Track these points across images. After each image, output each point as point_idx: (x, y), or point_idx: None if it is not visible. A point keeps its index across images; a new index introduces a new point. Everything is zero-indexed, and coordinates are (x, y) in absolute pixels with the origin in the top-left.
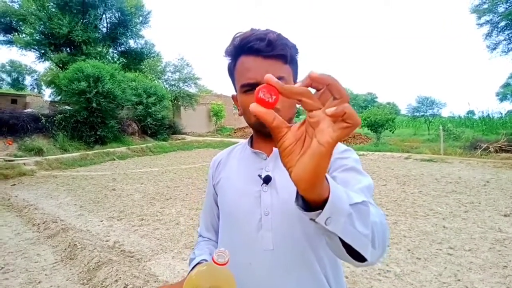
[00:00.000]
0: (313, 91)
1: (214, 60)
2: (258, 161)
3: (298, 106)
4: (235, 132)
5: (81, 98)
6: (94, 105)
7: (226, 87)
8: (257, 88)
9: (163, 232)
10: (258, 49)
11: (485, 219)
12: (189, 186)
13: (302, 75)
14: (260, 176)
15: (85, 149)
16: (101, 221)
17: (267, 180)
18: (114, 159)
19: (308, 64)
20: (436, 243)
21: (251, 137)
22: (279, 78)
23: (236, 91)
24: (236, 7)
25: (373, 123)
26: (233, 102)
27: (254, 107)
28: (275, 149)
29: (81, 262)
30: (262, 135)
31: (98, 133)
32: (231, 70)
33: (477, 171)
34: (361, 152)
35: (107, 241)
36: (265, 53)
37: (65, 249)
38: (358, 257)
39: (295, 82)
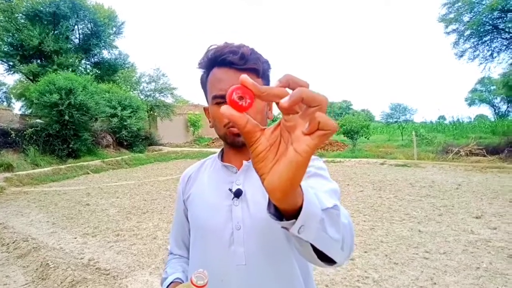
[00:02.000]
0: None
1: (190, 70)
2: (228, 174)
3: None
4: (213, 142)
5: (53, 111)
6: (66, 117)
7: (203, 97)
8: (231, 89)
9: (140, 247)
10: (231, 61)
11: (458, 221)
12: (167, 198)
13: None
14: (230, 190)
15: (57, 163)
16: (75, 238)
17: (238, 193)
18: (88, 173)
19: (284, 71)
20: (412, 248)
21: (222, 150)
22: None
23: (208, 102)
24: (212, 17)
25: (349, 130)
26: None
27: (226, 109)
28: (245, 162)
29: (54, 283)
30: (233, 146)
31: (71, 146)
32: (204, 82)
33: (449, 175)
34: (338, 159)
35: (81, 258)
36: (238, 66)
37: (37, 269)
38: (328, 260)
39: None
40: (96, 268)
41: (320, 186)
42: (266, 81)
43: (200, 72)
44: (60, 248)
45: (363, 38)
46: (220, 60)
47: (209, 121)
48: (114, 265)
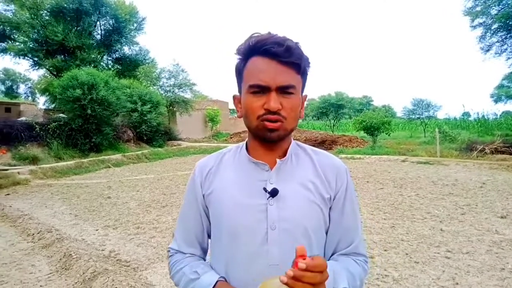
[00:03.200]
0: None
1: (209, 65)
2: (259, 172)
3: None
4: (231, 137)
5: (76, 106)
6: (89, 112)
7: (221, 92)
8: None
9: (159, 240)
10: (276, 53)
11: (482, 221)
12: None
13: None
14: (265, 189)
15: (80, 157)
16: (97, 230)
17: (274, 193)
18: (109, 167)
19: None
20: (433, 247)
21: (246, 144)
22: (291, 86)
23: (240, 91)
24: (232, 13)
25: (369, 127)
26: (229, 106)
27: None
28: (278, 161)
29: (76, 273)
30: (265, 142)
31: (93, 140)
32: (240, 69)
33: (473, 173)
34: (358, 156)
35: (102, 250)
36: (282, 58)
37: (60, 259)
38: None
39: (302, 91)
40: (117, 260)
41: (355, 236)
42: (304, 79)
43: (235, 59)
44: (82, 239)
45: (385, 32)
46: (263, 49)
47: (238, 111)
48: (134, 257)
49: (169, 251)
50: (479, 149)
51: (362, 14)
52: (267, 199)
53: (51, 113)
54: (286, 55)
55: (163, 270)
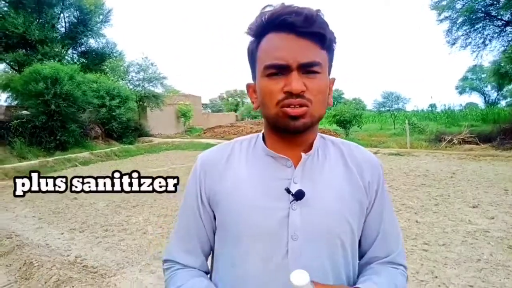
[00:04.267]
0: None
1: (181, 59)
2: (281, 168)
3: None
4: (204, 133)
5: (39, 101)
6: (53, 107)
7: (194, 87)
8: None
9: (129, 243)
10: (293, 23)
11: (455, 211)
12: None
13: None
14: (288, 190)
15: (44, 156)
16: (62, 234)
17: (299, 195)
18: (76, 166)
19: None
20: (410, 239)
21: (263, 135)
22: (315, 63)
23: (254, 78)
24: (203, 4)
25: (342, 120)
26: (202, 101)
27: None
28: (304, 155)
29: (38, 282)
30: (285, 132)
31: (58, 138)
32: (253, 51)
33: (443, 164)
34: None
35: (67, 256)
36: (301, 28)
37: (20, 268)
38: None
39: (329, 73)
40: (83, 266)
41: (395, 239)
42: (330, 56)
43: (247, 40)
44: (45, 244)
45: (353, 25)
46: (279, 22)
47: (253, 102)
48: (102, 262)
49: (164, 262)
50: (448, 140)
51: (329, 7)
52: (290, 202)
53: (12, 110)
54: (305, 24)
55: (132, 275)
